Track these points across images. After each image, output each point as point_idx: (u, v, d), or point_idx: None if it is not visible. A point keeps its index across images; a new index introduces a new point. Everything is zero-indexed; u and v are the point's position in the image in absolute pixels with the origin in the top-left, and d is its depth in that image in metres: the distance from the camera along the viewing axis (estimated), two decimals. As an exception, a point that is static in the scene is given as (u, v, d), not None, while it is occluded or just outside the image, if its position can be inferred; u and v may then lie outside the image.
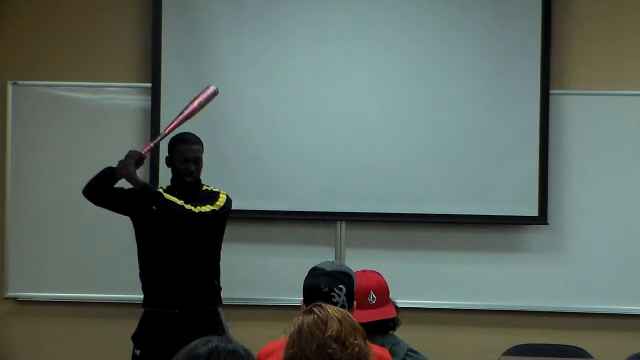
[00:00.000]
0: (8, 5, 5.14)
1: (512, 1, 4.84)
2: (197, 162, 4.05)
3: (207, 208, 3.99)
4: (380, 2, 4.88)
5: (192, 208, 3.94)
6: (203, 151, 4.09)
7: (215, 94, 4.20)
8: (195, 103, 4.15)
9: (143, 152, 4.01)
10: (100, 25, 5.09)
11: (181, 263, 4.03)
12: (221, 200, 4.06)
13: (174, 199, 3.94)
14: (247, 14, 4.89)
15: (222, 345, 1.95)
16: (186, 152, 4.04)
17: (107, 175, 4.00)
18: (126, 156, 3.97)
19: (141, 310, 4.17)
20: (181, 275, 4.03)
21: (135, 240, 4.15)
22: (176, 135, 4.18)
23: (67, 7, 5.11)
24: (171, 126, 4.09)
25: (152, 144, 4.11)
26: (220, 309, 4.15)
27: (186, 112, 4.13)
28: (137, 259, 4.14)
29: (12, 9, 5.13)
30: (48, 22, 5.11)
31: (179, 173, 4.05)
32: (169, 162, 4.13)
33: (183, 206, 3.92)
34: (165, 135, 4.10)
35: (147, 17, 4.99)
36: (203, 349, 1.94)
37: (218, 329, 4.04)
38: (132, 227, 4.14)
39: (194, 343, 1.97)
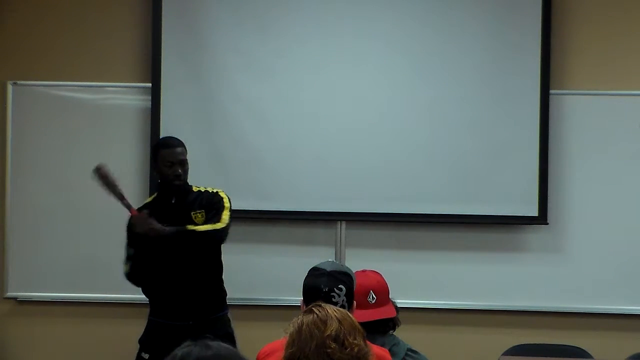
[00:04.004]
0: (8, 5, 5.14)
1: (512, 1, 4.84)
2: (183, 164, 4.04)
3: (226, 215, 4.03)
4: (381, 1, 4.88)
5: (221, 224, 3.98)
6: (186, 153, 4.08)
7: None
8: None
9: (141, 213, 3.98)
10: (100, 25, 5.09)
11: (193, 275, 4.03)
12: (226, 200, 4.09)
13: (202, 227, 3.95)
14: (247, 14, 4.90)
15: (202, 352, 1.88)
16: (170, 156, 4.02)
17: (140, 252, 3.99)
18: (137, 223, 3.92)
19: (144, 311, 4.17)
20: (194, 287, 4.03)
21: None
22: (158, 141, 4.23)
23: (67, 7, 5.11)
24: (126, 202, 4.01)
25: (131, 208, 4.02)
26: (229, 314, 4.19)
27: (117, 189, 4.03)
28: None
29: (12, 8, 5.13)
30: (48, 22, 5.11)
31: (167, 178, 4.04)
32: (154, 168, 4.13)
33: (215, 228, 3.96)
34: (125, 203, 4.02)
35: (147, 17, 4.99)
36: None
37: (229, 334, 4.09)
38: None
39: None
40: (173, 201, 4.04)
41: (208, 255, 4.08)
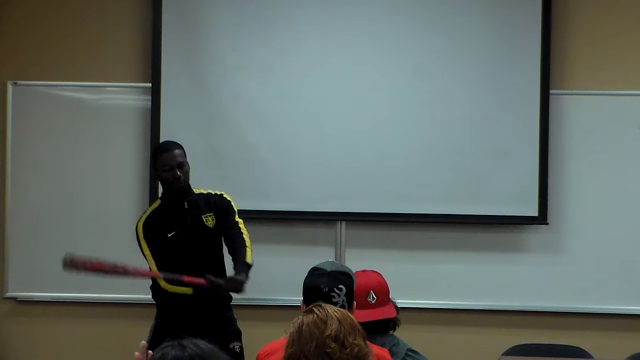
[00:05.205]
0: (8, 5, 5.14)
1: (512, 1, 4.85)
2: (182, 166, 3.99)
3: (241, 223, 4.08)
4: (381, 2, 4.88)
5: (248, 240, 4.03)
6: (185, 155, 4.03)
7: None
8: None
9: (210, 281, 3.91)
10: (100, 25, 5.09)
11: (211, 273, 4.01)
12: (234, 204, 4.12)
13: (249, 254, 3.96)
14: (247, 14, 4.90)
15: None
16: (168, 160, 3.98)
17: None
18: (228, 286, 3.89)
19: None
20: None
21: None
22: (155, 147, 4.21)
23: (66, 7, 5.11)
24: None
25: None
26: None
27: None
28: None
29: (12, 9, 5.13)
30: (48, 22, 5.11)
31: (167, 182, 4.01)
32: (155, 175, 4.11)
33: (251, 250, 4.01)
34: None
35: (147, 17, 4.99)
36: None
37: (239, 331, 4.15)
38: (135, 231, 4.10)
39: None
40: (186, 206, 4.03)
41: (221, 253, 4.11)
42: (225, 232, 4.07)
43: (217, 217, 4.07)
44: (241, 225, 4.09)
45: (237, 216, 4.12)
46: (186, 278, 3.83)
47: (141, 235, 4.00)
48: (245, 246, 3.98)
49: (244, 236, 4.04)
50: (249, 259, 3.94)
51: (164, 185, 4.06)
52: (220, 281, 3.85)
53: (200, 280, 3.82)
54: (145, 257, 4.00)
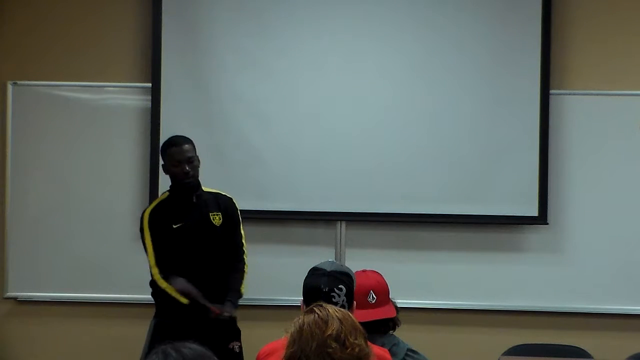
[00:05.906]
0: (7, 5, 5.14)
1: (512, 1, 4.85)
2: (191, 161, 4.03)
3: (244, 238, 4.18)
4: (380, 2, 4.88)
5: (245, 264, 4.15)
6: (195, 150, 4.07)
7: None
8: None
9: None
10: (100, 25, 5.09)
11: (214, 273, 4.06)
12: (239, 212, 4.20)
13: (243, 281, 4.10)
14: (247, 14, 4.90)
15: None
16: (177, 154, 4.02)
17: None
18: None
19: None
20: (216, 284, 4.07)
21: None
22: (165, 141, 4.22)
23: (67, 6, 5.11)
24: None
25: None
26: None
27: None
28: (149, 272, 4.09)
29: (12, 9, 5.13)
30: (48, 22, 5.11)
31: (176, 176, 4.03)
32: (165, 169, 4.12)
33: (244, 272, 4.14)
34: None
35: (147, 16, 4.99)
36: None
37: (239, 331, 4.18)
38: (140, 220, 4.10)
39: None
40: (194, 200, 4.05)
41: (221, 254, 4.13)
42: (230, 244, 4.12)
43: (224, 218, 4.10)
44: (244, 240, 4.18)
45: (242, 228, 4.19)
46: (212, 307, 3.96)
47: (146, 224, 4.01)
48: (243, 272, 4.13)
49: (245, 257, 4.15)
50: (243, 289, 4.12)
51: (173, 180, 4.07)
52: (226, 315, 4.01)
53: (215, 310, 3.96)
54: (145, 248, 4.00)
